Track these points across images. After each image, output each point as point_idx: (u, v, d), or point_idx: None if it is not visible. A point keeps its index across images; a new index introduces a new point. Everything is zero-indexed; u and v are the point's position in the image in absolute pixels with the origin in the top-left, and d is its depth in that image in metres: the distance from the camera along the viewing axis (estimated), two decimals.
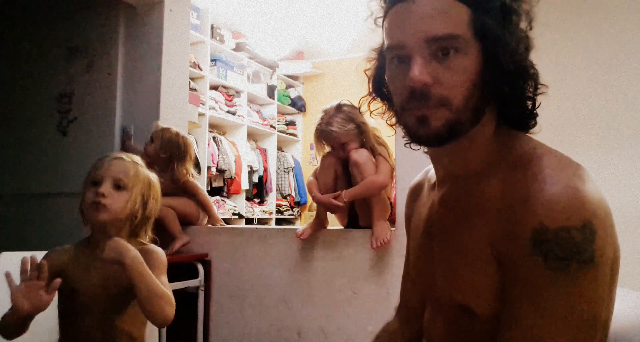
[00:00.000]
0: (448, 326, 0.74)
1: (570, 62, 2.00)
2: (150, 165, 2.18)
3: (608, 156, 1.95)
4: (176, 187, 2.30)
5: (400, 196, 1.94)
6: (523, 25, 0.70)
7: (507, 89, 0.69)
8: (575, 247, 0.57)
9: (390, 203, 2.02)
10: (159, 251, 1.34)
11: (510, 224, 0.62)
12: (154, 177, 1.36)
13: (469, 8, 0.66)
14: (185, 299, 2.18)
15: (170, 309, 1.19)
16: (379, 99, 0.82)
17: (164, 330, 1.95)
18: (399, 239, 1.89)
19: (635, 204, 1.90)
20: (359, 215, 2.05)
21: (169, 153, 2.28)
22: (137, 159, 1.34)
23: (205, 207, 2.39)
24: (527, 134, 0.74)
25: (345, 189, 1.97)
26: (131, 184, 1.27)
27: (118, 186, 1.25)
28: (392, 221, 1.99)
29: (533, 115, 0.74)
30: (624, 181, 1.92)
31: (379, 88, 0.80)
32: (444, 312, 0.75)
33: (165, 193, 2.21)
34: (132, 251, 1.16)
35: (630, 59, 1.90)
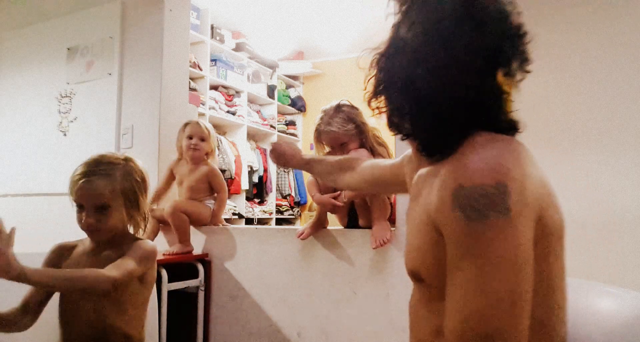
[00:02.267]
0: (414, 297, 0.84)
1: (570, 62, 2.00)
2: (195, 161, 2.28)
3: (609, 156, 1.95)
4: (207, 181, 2.31)
5: (400, 195, 1.94)
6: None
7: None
8: (490, 200, 0.64)
9: (390, 203, 2.01)
10: (145, 243, 1.33)
11: (440, 193, 0.70)
12: (137, 169, 1.34)
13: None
14: (185, 299, 2.18)
15: (101, 276, 1.16)
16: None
17: (164, 330, 1.95)
18: (399, 239, 1.89)
19: (636, 204, 1.90)
20: (359, 215, 2.05)
21: (212, 146, 2.33)
22: (112, 163, 1.30)
23: (220, 205, 2.39)
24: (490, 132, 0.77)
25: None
26: (113, 200, 1.27)
27: (101, 207, 1.26)
28: (392, 220, 1.99)
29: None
30: (625, 180, 1.92)
31: None
32: (412, 283, 0.85)
33: (194, 188, 2.28)
34: (14, 266, 1.06)
35: (631, 59, 1.90)
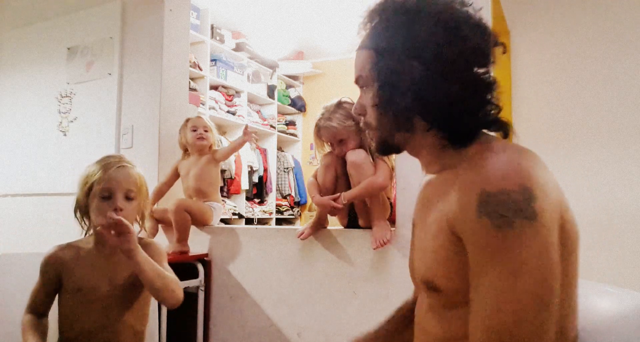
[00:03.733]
0: (424, 306, 0.82)
1: (571, 61, 2.00)
2: (200, 153, 2.36)
3: (609, 155, 1.95)
4: (213, 167, 2.39)
5: (400, 195, 1.94)
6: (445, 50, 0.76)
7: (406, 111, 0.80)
8: (516, 206, 0.63)
9: (390, 203, 2.01)
10: (157, 243, 1.40)
11: (461, 199, 0.69)
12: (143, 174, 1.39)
13: (374, 52, 0.82)
14: (185, 299, 2.18)
15: (179, 289, 1.28)
16: None
17: (164, 330, 1.95)
18: (399, 239, 1.89)
19: (636, 204, 1.90)
20: (358, 215, 2.05)
21: (215, 139, 2.44)
22: (130, 161, 1.36)
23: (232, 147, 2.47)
24: (490, 135, 0.81)
25: (345, 189, 1.96)
26: (138, 193, 1.30)
27: (128, 197, 1.28)
28: (392, 220, 1.99)
29: (464, 130, 0.79)
30: (625, 180, 1.92)
31: None
32: (422, 292, 0.83)
33: (201, 176, 2.33)
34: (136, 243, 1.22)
35: (632, 59, 1.90)
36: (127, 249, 1.19)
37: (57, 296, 1.31)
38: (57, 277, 1.28)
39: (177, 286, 1.29)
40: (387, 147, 0.86)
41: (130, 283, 1.29)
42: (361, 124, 0.89)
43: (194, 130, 2.35)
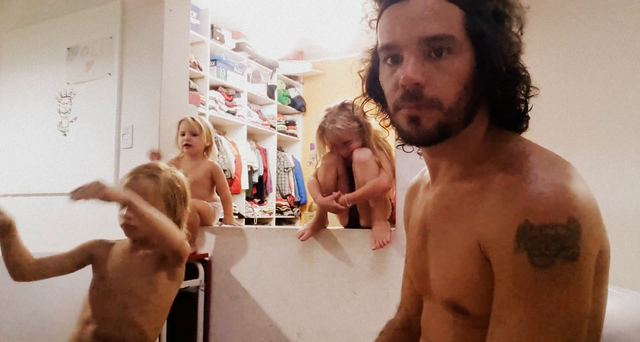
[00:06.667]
0: (443, 323, 0.75)
1: (571, 61, 2.00)
2: (193, 157, 2.30)
3: (608, 156, 1.95)
4: (210, 177, 2.34)
5: (400, 195, 1.94)
6: (515, 29, 0.70)
7: (499, 91, 0.69)
8: (560, 244, 0.58)
9: (391, 203, 2.01)
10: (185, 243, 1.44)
11: (497, 222, 0.62)
12: (179, 179, 1.42)
13: (463, 10, 0.66)
14: (185, 299, 2.18)
15: (179, 234, 1.35)
16: (372, 100, 0.82)
17: (164, 330, 1.94)
18: (398, 239, 1.89)
19: (635, 204, 1.90)
20: (360, 215, 2.05)
21: (209, 140, 2.36)
22: (158, 168, 1.40)
23: (228, 204, 2.41)
24: (517, 134, 0.74)
25: (347, 189, 1.96)
26: (154, 200, 1.34)
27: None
28: (392, 220, 1.99)
29: (525, 117, 0.74)
30: (625, 181, 1.92)
31: (372, 89, 0.80)
32: (438, 309, 0.76)
33: (197, 183, 2.26)
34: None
35: (632, 58, 1.90)
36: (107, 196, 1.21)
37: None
38: (89, 255, 1.37)
39: (176, 231, 1.35)
40: (445, 132, 0.68)
41: (147, 279, 1.35)
42: (423, 99, 0.66)
43: (183, 135, 2.31)
